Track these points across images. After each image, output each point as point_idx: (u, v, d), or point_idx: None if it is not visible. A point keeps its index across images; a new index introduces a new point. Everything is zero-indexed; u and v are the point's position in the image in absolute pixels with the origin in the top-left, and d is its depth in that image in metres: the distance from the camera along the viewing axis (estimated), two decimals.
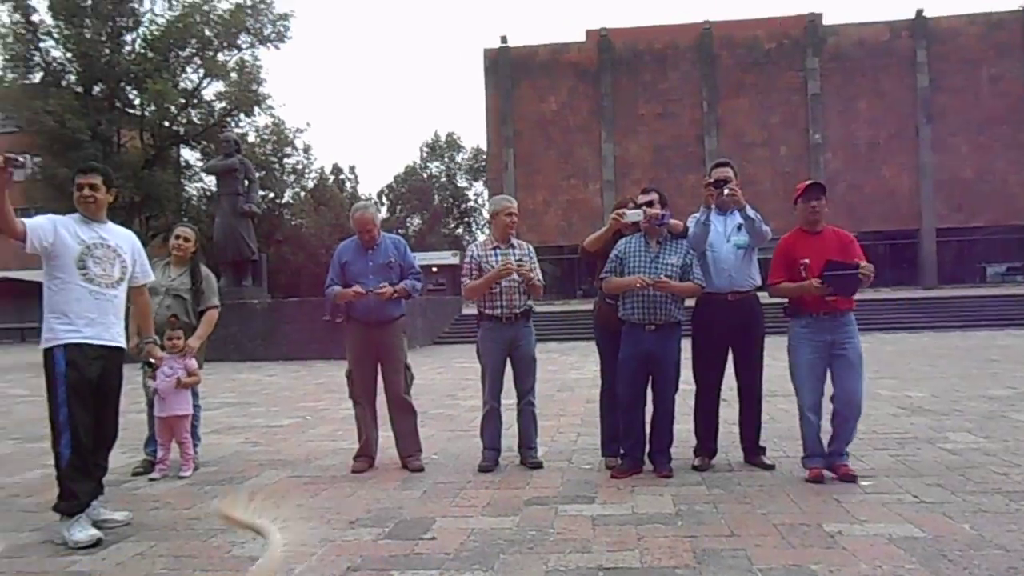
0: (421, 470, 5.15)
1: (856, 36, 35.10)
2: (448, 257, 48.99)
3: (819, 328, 4.57)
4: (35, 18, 27.47)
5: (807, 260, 4.52)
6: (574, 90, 36.57)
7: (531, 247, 5.39)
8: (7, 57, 27.45)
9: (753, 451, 5.04)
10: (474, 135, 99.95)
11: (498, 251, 5.23)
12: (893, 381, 9.32)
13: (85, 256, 3.99)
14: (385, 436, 5.51)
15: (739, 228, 4.91)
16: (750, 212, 4.79)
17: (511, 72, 36.83)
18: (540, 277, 5.26)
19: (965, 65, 34.19)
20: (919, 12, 34.79)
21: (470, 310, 26.09)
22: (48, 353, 3.92)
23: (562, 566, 3.21)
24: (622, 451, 4.96)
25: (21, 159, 3.72)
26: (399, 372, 5.37)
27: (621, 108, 36.05)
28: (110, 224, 4.22)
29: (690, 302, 4.94)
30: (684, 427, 6.26)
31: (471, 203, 69.44)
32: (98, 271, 4.02)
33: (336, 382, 11.62)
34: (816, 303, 4.53)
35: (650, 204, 4.86)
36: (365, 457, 5.34)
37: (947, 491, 4.19)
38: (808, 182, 4.81)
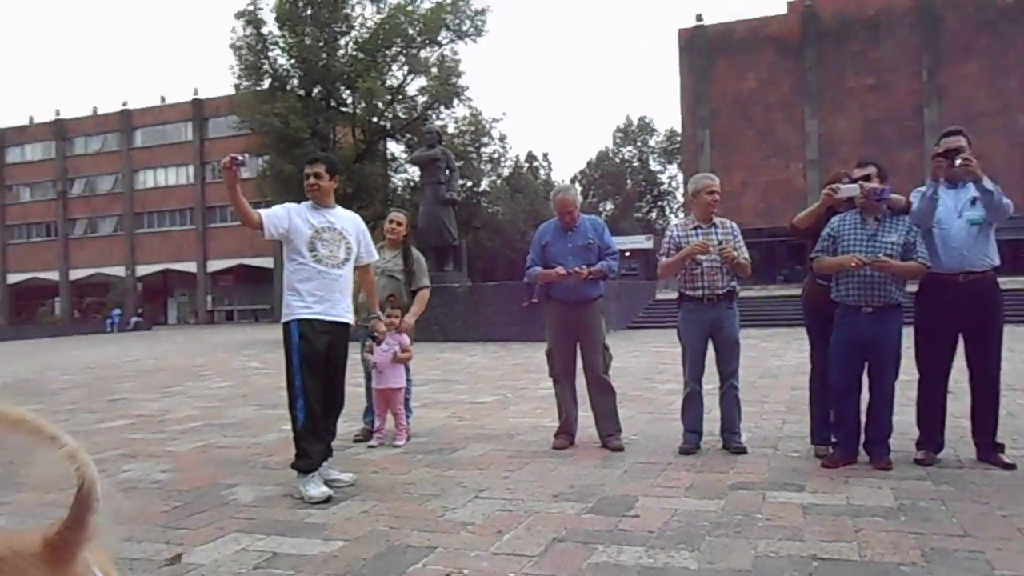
0: (621, 449, 5.16)
1: None
2: (642, 241, 48.50)
3: None
4: (264, 30, 30.34)
5: None
6: (775, 66, 34.81)
7: (735, 225, 5.23)
8: (242, 67, 30.55)
9: (989, 448, 4.53)
10: (668, 118, 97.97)
11: (699, 230, 5.12)
12: None
13: (315, 239, 4.37)
14: (584, 415, 5.58)
15: (973, 202, 4.41)
16: (988, 184, 4.28)
17: (707, 51, 35.70)
18: (746, 255, 5.08)
19: None
20: None
21: (664, 295, 25.71)
22: (286, 327, 4.35)
23: (772, 552, 3.10)
24: (834, 439, 4.69)
25: (242, 158, 4.15)
26: (598, 352, 5.41)
27: (827, 81, 33.83)
28: (337, 208, 4.59)
29: (913, 284, 4.55)
30: (903, 418, 5.82)
31: (665, 187, 68.30)
32: (326, 252, 4.39)
33: (534, 363, 11.93)
34: None
35: (867, 178, 4.52)
36: (566, 435, 5.44)
37: None
38: None
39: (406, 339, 5.71)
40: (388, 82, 31.90)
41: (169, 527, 3.71)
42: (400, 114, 33.22)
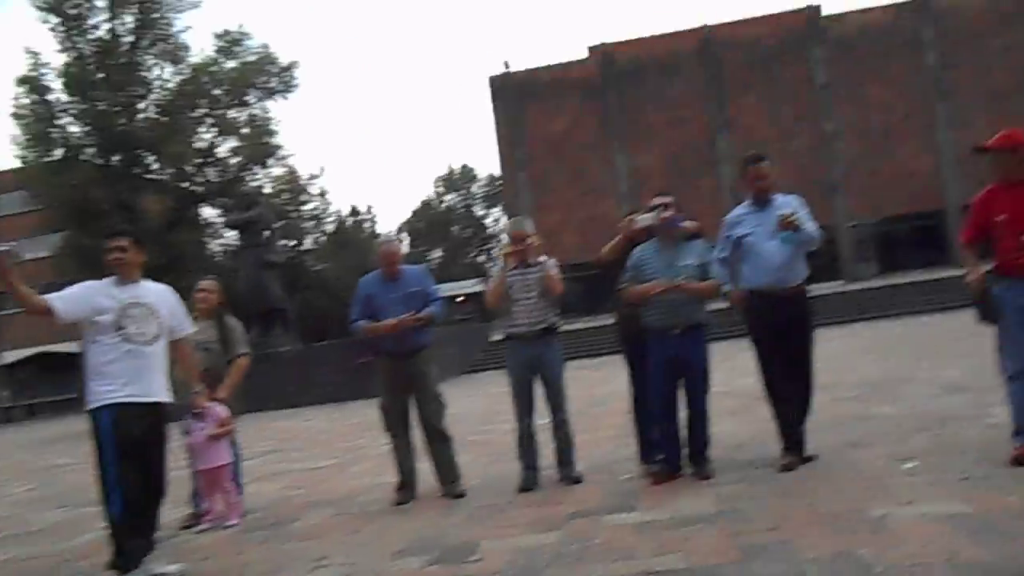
0: (462, 496, 5.17)
1: (858, 23, 34.99)
2: (473, 286, 49.12)
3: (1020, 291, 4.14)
4: (51, 97, 28.25)
5: (1004, 215, 4.13)
6: (581, 107, 36.77)
7: (554, 262, 5.36)
8: (28, 137, 28.22)
9: (791, 446, 4.82)
10: (488, 162, 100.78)
11: (517, 271, 5.26)
12: (930, 362, 9.20)
13: (121, 316, 4.08)
14: (424, 466, 5.54)
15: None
16: (805, 232, 4.63)
17: (517, 97, 37.14)
18: (559, 283, 5.24)
19: (973, 39, 33.87)
20: None
21: (498, 337, 26.13)
22: (94, 414, 4.01)
23: (608, 574, 3.21)
24: (660, 457, 4.94)
25: (8, 246, 3.85)
26: (432, 401, 5.42)
27: (630, 120, 36.16)
28: (144, 282, 4.32)
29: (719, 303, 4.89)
30: (720, 428, 6.24)
31: (490, 230, 69.80)
32: (135, 330, 4.11)
33: (373, 419, 11.69)
34: (1012, 266, 4.13)
35: (664, 207, 4.88)
36: (405, 488, 5.37)
37: (993, 466, 4.13)
38: (978, 145, 4.34)
39: (222, 412, 5.38)
40: (196, 145, 30.62)
41: None
42: (212, 177, 31.90)
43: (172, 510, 5.71)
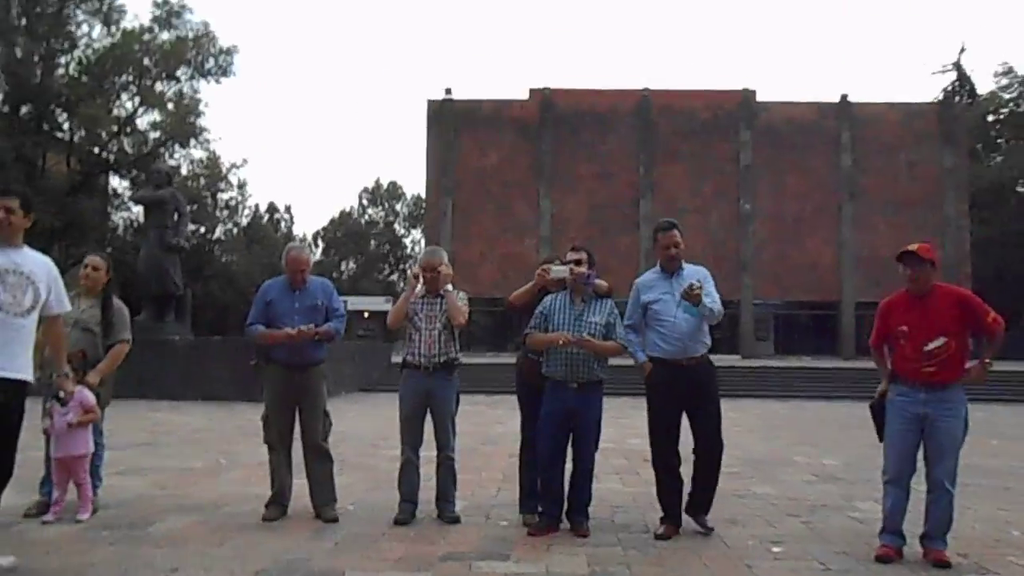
0: (335, 520, 5.00)
1: (786, 114, 36.83)
2: (380, 303, 48.50)
3: (913, 399, 4.33)
4: None
5: (905, 328, 4.34)
6: (515, 146, 37.17)
7: (463, 294, 5.30)
8: None
9: (698, 508, 4.91)
10: (415, 184, 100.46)
11: (425, 300, 5.20)
12: (809, 448, 9.58)
13: None
14: (300, 484, 5.35)
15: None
16: (705, 307, 4.72)
17: (454, 124, 37.27)
18: (464, 313, 5.15)
19: (885, 149, 36.17)
20: (843, 96, 36.79)
21: (399, 358, 25.73)
22: None
23: None
24: (540, 508, 4.92)
25: None
26: (318, 418, 5.26)
27: (560, 166, 36.78)
28: (26, 249, 4.04)
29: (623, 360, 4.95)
30: (605, 486, 6.29)
31: (408, 251, 69.34)
32: (8, 298, 3.83)
33: (255, 424, 11.28)
34: (909, 371, 4.31)
35: (578, 263, 4.94)
36: (277, 505, 5.17)
37: (852, 559, 4.29)
38: (906, 248, 4.45)
39: (89, 398, 5.05)
40: (115, 112, 29.38)
41: None
42: (127, 148, 30.64)
43: (16, 495, 5.33)
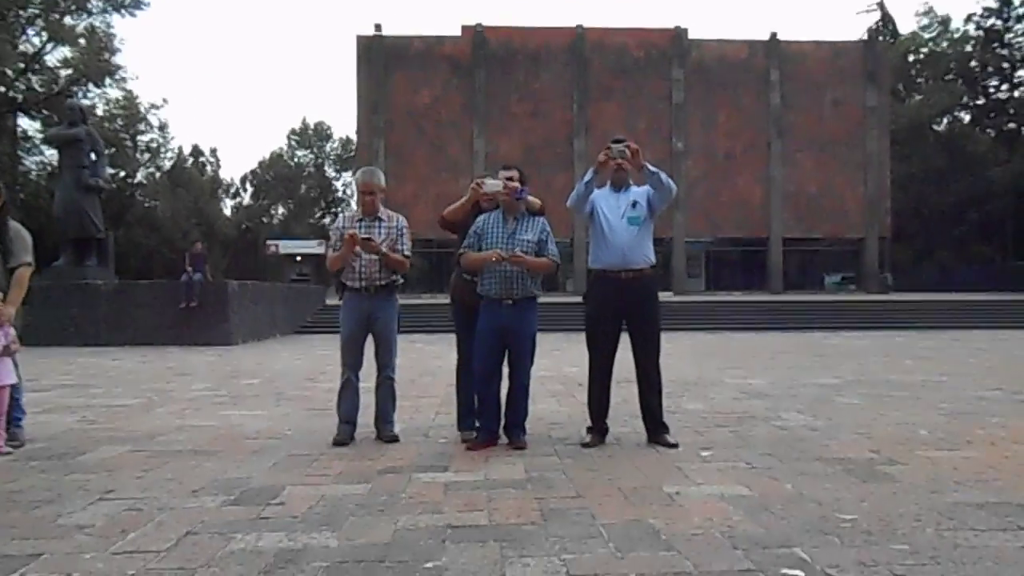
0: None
1: (717, 52, 37.07)
2: (313, 246, 47.72)
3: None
4: None
5: None
6: (448, 84, 36.58)
7: (402, 220, 5.24)
8: None
9: (656, 430, 5.02)
10: (344, 124, 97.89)
11: (363, 223, 5.14)
12: (738, 371, 9.92)
13: None
14: (237, 413, 5.30)
15: (633, 205, 4.93)
16: (651, 167, 4.78)
17: (385, 61, 36.38)
18: (407, 250, 5.17)
19: (811, 87, 36.86)
20: (773, 35, 37.18)
21: (334, 300, 25.47)
22: None
23: (411, 525, 3.21)
24: (478, 424, 5.01)
25: None
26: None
27: (494, 105, 36.39)
28: None
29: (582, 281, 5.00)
30: (542, 407, 6.44)
31: (339, 193, 68.08)
32: None
33: (191, 365, 11.11)
34: None
35: (510, 180, 4.94)
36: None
37: (775, 459, 4.51)
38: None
39: (11, 331, 4.91)
40: (21, 47, 27.67)
41: None
42: (37, 86, 28.99)
43: None
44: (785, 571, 2.66)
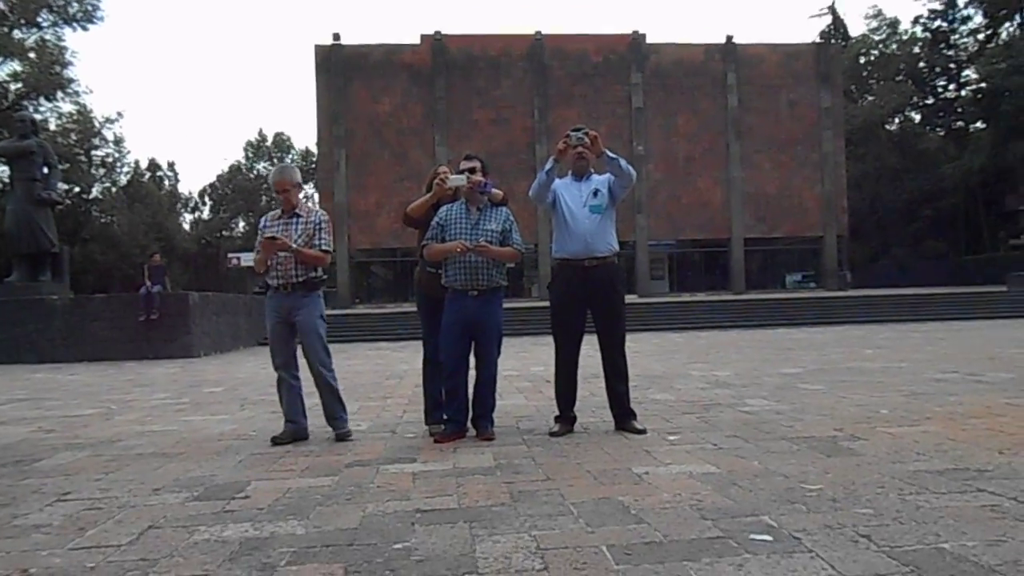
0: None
1: (675, 56, 37.49)
2: None
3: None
4: None
5: None
6: (408, 92, 36.47)
7: (322, 214, 5.17)
8: None
9: (624, 417, 5.04)
10: (305, 135, 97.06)
11: (280, 221, 5.07)
12: (703, 365, 10.01)
13: None
14: (202, 419, 5.21)
15: (595, 193, 4.93)
16: (610, 154, 4.79)
17: (344, 71, 36.16)
18: (325, 244, 5.05)
19: (767, 89, 37.43)
20: (729, 38, 37.71)
21: None
22: None
23: (380, 511, 3.18)
24: (445, 416, 4.98)
25: None
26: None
27: (455, 112, 36.37)
28: None
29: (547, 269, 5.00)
30: (509, 402, 6.43)
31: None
32: None
33: (149, 377, 10.89)
34: None
35: (472, 171, 4.93)
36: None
37: (741, 440, 4.55)
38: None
39: None
40: None
41: None
42: None
43: None
44: (753, 536, 2.68)
